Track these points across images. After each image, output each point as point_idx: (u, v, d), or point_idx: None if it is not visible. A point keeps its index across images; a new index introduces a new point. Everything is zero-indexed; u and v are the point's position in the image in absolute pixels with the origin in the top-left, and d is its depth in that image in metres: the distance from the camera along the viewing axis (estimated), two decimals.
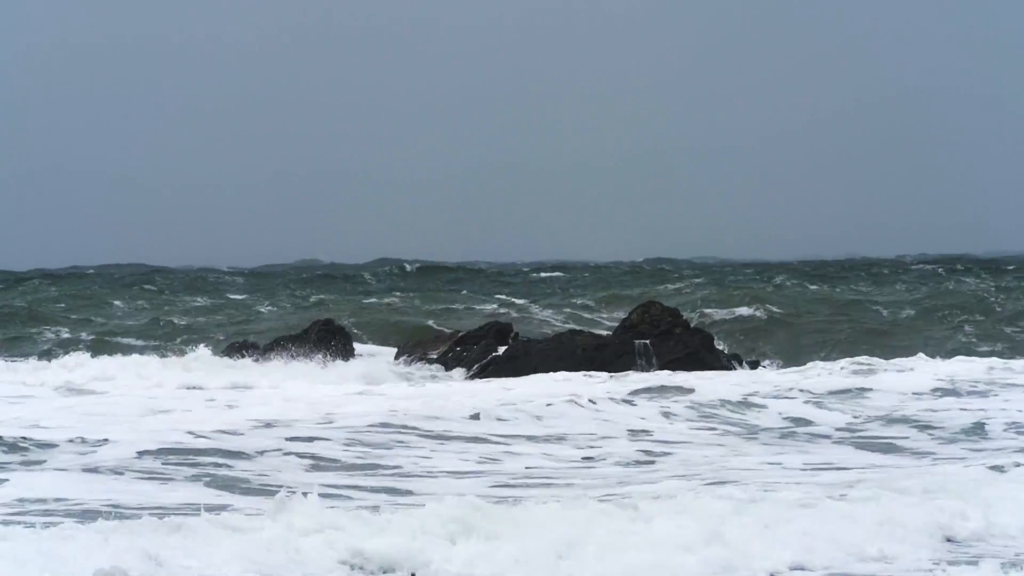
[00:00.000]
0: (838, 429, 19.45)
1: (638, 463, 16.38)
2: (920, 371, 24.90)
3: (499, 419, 19.61)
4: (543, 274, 65.41)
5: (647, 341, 27.32)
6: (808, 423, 19.90)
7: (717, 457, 16.66)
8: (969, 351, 32.73)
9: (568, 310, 41.83)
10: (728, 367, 27.49)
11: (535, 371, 27.41)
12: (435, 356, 29.99)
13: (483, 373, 28.00)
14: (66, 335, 38.04)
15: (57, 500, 13.13)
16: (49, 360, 30.90)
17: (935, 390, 22.74)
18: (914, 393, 22.39)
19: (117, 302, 47.87)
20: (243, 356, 30.17)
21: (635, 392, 22.20)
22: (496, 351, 29.02)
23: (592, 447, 17.60)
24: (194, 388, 26.13)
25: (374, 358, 31.18)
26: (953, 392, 22.65)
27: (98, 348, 34.51)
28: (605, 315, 40.54)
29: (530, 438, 18.34)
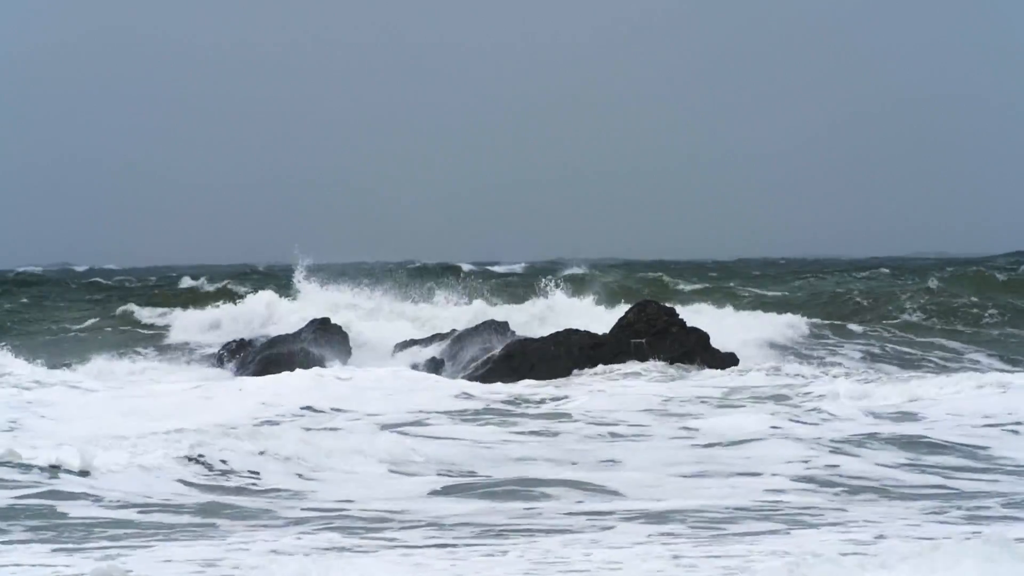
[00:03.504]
0: None
1: None
2: None
3: None
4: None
5: (643, 340, 27.19)
6: None
7: None
8: None
9: None
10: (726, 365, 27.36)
11: (532, 370, 27.26)
12: (432, 354, 29.86)
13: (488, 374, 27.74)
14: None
15: None
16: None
17: None
18: None
19: None
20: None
21: None
22: (493, 349, 28.90)
23: None
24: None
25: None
26: None
27: None
28: None
29: None
